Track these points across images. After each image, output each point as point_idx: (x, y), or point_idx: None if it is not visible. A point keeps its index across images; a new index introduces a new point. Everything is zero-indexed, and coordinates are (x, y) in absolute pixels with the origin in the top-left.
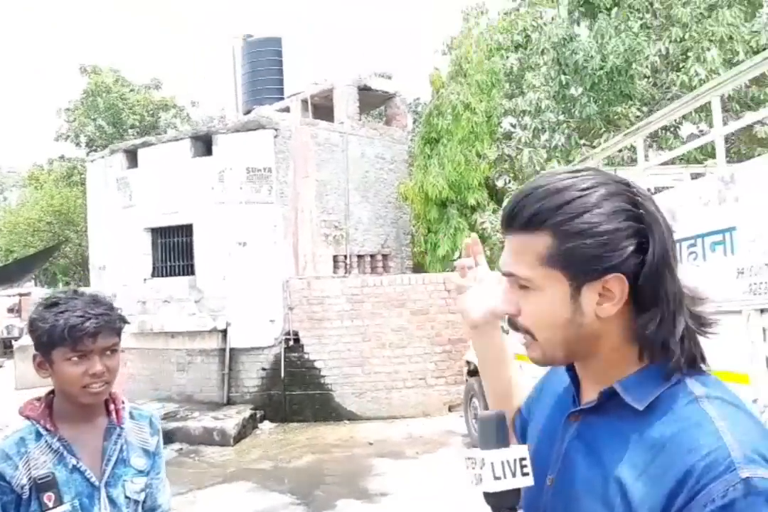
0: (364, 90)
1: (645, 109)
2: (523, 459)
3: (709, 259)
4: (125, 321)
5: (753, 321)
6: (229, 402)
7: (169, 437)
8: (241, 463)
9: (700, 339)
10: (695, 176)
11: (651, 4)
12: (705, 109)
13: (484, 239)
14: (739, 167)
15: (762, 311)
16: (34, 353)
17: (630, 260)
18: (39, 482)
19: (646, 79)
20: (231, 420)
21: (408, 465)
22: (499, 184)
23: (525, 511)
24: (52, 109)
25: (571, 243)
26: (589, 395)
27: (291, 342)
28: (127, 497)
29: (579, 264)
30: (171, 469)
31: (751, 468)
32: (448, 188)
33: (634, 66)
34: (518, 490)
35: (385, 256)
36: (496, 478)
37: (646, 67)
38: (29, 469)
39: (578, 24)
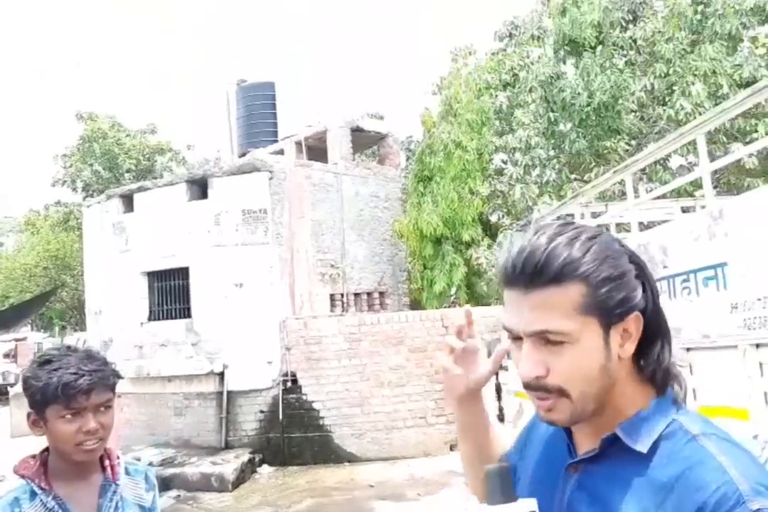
0: (356, 131)
1: (633, 142)
2: None
3: (702, 294)
4: (119, 376)
5: (749, 356)
6: (227, 446)
7: (166, 484)
8: (240, 509)
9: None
10: (686, 209)
11: (634, 41)
12: (693, 141)
13: (479, 274)
14: (728, 202)
15: (758, 346)
16: (29, 411)
17: (641, 298)
18: None
19: (633, 114)
20: (229, 464)
21: (410, 508)
22: (493, 219)
23: None
24: (48, 156)
25: (605, 288)
26: (586, 443)
27: (289, 384)
28: None
29: (612, 307)
30: None
31: (759, 499)
32: (443, 225)
33: (620, 101)
34: None
35: (381, 294)
36: None
37: (633, 102)
38: None
39: (564, 62)
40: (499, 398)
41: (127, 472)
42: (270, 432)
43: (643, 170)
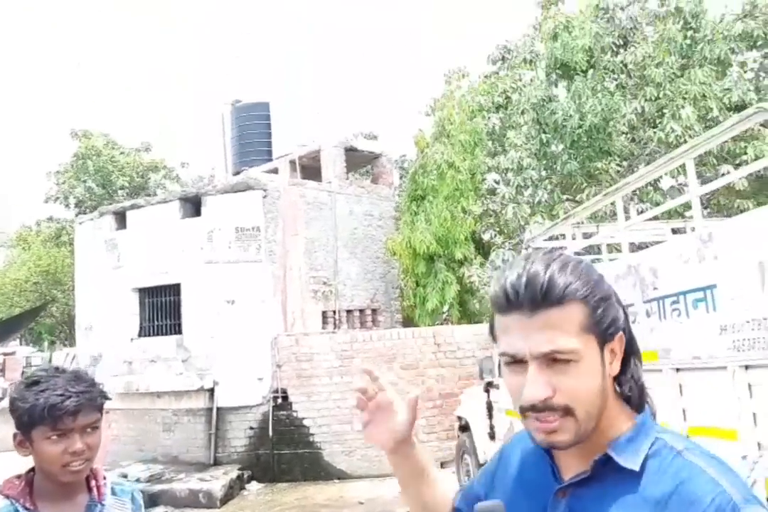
0: (350, 151)
1: (624, 164)
2: None
3: (692, 316)
4: (107, 397)
5: (738, 378)
6: (216, 462)
7: (153, 500)
8: None
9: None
10: (676, 230)
11: (625, 65)
12: (683, 164)
13: (471, 292)
14: (717, 226)
15: (747, 367)
16: (15, 432)
17: (624, 319)
18: None
19: (624, 136)
20: (217, 481)
21: None
22: (486, 237)
23: None
24: (41, 172)
25: (601, 308)
26: (573, 466)
27: (279, 400)
28: None
29: (607, 327)
30: None
31: (751, 507)
32: (436, 243)
33: (611, 124)
34: None
35: (374, 311)
36: None
37: (624, 124)
38: None
39: (556, 85)
40: (490, 416)
41: (114, 492)
42: (260, 449)
43: (633, 191)
